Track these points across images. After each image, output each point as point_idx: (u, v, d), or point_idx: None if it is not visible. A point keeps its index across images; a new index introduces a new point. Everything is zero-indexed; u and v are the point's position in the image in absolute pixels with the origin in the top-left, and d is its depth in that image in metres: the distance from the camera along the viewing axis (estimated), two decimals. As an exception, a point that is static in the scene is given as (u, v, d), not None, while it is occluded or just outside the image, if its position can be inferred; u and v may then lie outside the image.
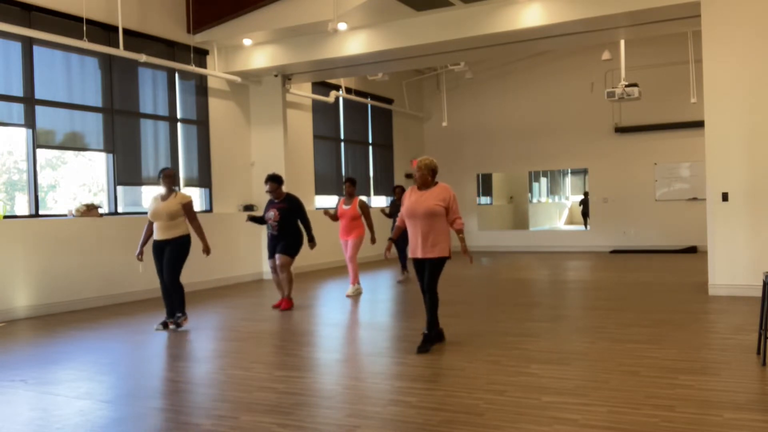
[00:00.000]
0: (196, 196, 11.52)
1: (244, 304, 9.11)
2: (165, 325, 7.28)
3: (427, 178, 5.91)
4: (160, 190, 7.25)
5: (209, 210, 11.70)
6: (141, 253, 7.33)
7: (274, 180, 8.36)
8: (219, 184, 11.87)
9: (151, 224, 7.28)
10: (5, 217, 8.42)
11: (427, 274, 5.88)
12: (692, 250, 14.98)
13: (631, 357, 5.32)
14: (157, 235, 7.19)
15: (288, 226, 8.30)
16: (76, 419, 4.19)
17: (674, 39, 14.22)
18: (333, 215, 9.44)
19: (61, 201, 9.64)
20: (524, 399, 4.29)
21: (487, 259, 14.97)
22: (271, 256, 8.44)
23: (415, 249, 5.90)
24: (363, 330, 7.08)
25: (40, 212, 8.96)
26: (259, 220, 8.54)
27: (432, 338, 5.91)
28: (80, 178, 10.01)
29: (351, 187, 9.51)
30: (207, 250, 7.25)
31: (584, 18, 9.24)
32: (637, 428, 3.67)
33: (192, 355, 6.02)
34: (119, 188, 10.04)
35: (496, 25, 9.80)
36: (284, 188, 8.57)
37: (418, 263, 5.95)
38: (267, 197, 8.82)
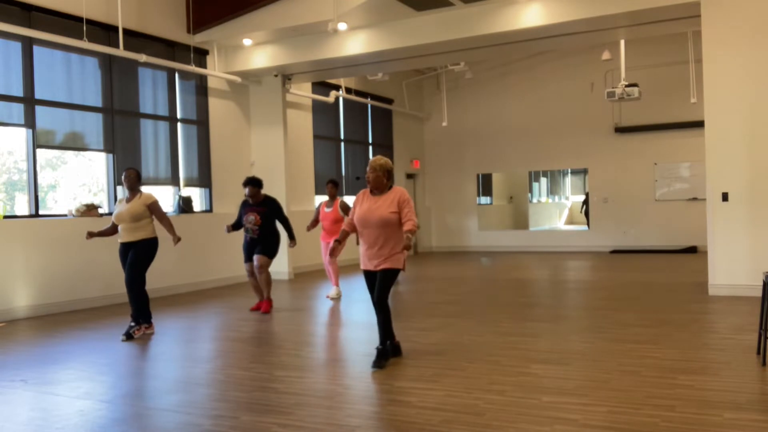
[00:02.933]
0: (197, 196, 11.52)
1: (243, 304, 9.10)
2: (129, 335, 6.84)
3: (382, 180, 5.33)
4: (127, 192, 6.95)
5: (209, 210, 11.69)
6: (91, 234, 6.84)
7: (255, 184, 8.22)
8: (219, 184, 11.87)
9: (114, 225, 6.93)
10: (5, 217, 8.42)
11: (377, 285, 5.30)
12: (692, 250, 14.98)
13: (631, 357, 5.32)
14: (121, 238, 6.86)
15: (268, 229, 8.24)
16: (76, 419, 4.19)
17: (674, 39, 14.22)
18: (311, 224, 9.31)
19: (61, 201, 9.64)
20: (524, 399, 4.29)
21: (487, 259, 14.98)
22: (248, 259, 8.34)
23: (367, 260, 5.36)
24: (362, 330, 7.07)
25: (40, 212, 8.95)
26: (237, 226, 8.39)
27: (386, 353, 5.39)
28: (80, 178, 10.01)
29: (333, 188, 9.40)
30: (176, 240, 6.86)
31: (584, 18, 9.24)
32: (637, 428, 3.67)
33: (192, 355, 6.02)
34: (119, 188, 10.04)
35: (496, 25, 9.80)
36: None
37: (370, 276, 5.41)
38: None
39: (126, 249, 6.87)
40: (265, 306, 8.34)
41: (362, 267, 5.48)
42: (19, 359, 5.99)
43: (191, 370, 5.40)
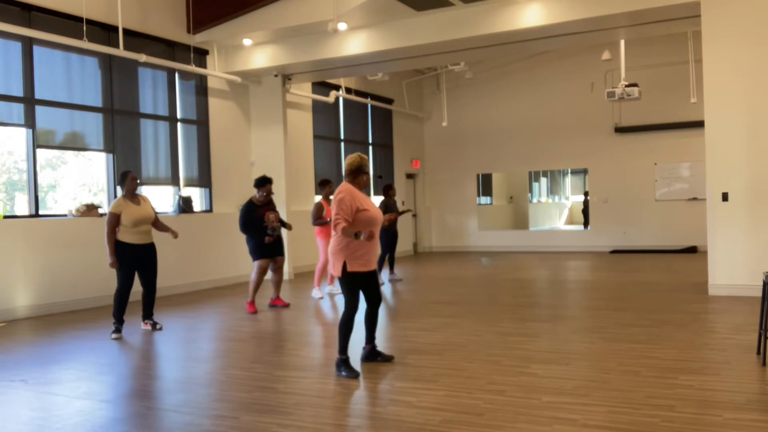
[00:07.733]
0: (197, 196, 11.52)
1: (243, 304, 9.09)
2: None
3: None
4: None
5: (209, 210, 11.69)
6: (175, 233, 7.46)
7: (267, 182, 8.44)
8: (219, 184, 11.86)
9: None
10: (5, 217, 8.42)
11: None
12: (692, 250, 14.98)
13: (631, 357, 5.32)
14: (140, 239, 7.16)
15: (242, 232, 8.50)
16: (76, 419, 4.19)
17: (674, 39, 14.22)
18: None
19: (61, 201, 9.64)
20: (524, 399, 4.29)
21: (487, 259, 14.98)
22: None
23: None
24: (361, 330, 7.05)
25: (40, 212, 8.95)
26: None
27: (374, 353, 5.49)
28: (80, 178, 10.01)
29: (332, 188, 9.37)
30: (174, 234, 7.27)
31: (584, 18, 9.24)
32: (637, 428, 3.67)
33: (192, 355, 6.02)
34: (119, 188, 10.01)
35: (496, 25, 9.80)
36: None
37: None
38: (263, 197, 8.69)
39: (147, 250, 7.14)
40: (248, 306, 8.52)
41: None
42: (19, 359, 5.99)
43: (192, 370, 5.40)
